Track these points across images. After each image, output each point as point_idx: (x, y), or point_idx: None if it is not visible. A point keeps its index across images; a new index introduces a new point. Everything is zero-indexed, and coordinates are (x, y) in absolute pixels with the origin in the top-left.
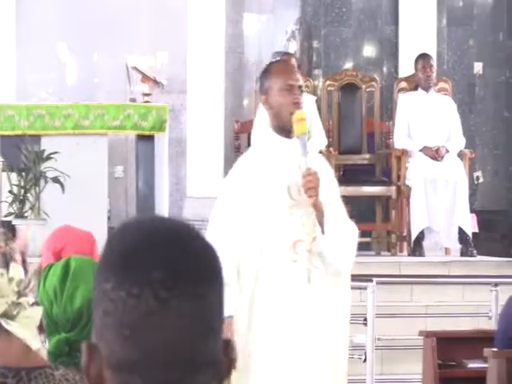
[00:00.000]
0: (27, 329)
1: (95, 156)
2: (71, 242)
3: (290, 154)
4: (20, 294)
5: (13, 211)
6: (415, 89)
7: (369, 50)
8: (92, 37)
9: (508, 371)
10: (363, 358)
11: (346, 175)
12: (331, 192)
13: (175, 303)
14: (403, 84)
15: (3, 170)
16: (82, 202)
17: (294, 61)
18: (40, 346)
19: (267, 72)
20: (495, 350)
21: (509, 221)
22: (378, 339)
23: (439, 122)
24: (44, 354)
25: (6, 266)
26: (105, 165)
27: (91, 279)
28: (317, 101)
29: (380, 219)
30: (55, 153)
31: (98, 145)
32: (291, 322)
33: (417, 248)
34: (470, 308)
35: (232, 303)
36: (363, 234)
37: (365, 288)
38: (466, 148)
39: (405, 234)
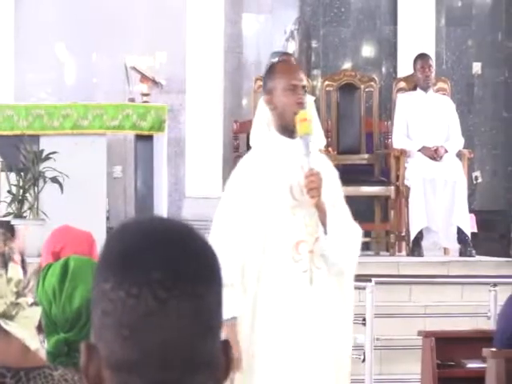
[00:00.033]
0: (26, 329)
1: (94, 156)
2: (70, 242)
3: (293, 154)
4: (19, 295)
5: (11, 211)
6: (414, 89)
7: (367, 50)
8: (91, 37)
9: (507, 371)
10: (362, 357)
11: (345, 175)
12: (335, 192)
13: (174, 303)
14: (402, 84)
15: (2, 170)
16: (80, 202)
17: (292, 61)
18: (39, 346)
19: (271, 72)
20: (494, 349)
21: (507, 221)
22: (377, 339)
23: (438, 122)
24: (43, 354)
25: (5, 267)
26: (103, 165)
27: (90, 279)
28: (315, 101)
29: (379, 219)
30: (54, 153)
31: (96, 145)
32: (294, 323)
33: (416, 248)
34: (469, 308)
35: (236, 304)
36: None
37: (364, 288)
38: (464, 148)
39: (403, 233)
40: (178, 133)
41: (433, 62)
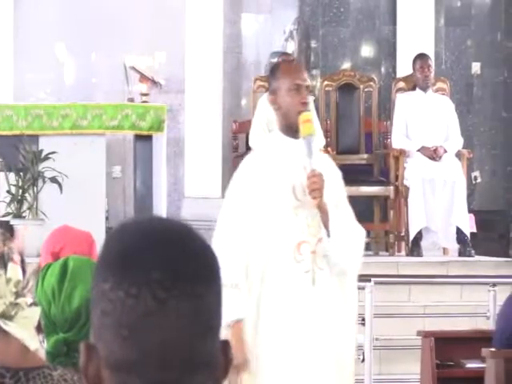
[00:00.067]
0: (25, 329)
1: (93, 156)
2: (70, 242)
3: (296, 154)
4: (18, 295)
5: (11, 211)
6: (413, 89)
7: (367, 50)
8: (90, 37)
9: (506, 371)
10: (361, 357)
11: (344, 175)
12: (338, 193)
13: (173, 303)
14: (401, 84)
15: (1, 170)
16: (79, 202)
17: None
18: (38, 346)
19: (275, 72)
20: (493, 349)
21: (507, 221)
22: (376, 339)
23: (437, 122)
24: (42, 354)
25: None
26: (103, 165)
27: (89, 279)
28: (315, 101)
29: (378, 219)
30: (53, 153)
31: (95, 145)
32: (296, 324)
33: (415, 248)
34: (468, 308)
35: (242, 306)
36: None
37: (363, 288)
38: (464, 148)
39: (403, 233)
40: (177, 133)
41: (432, 62)
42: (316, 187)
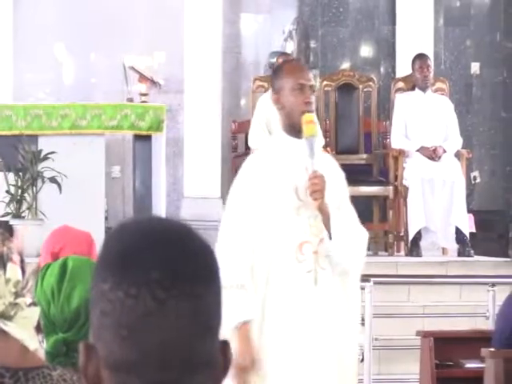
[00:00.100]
0: (25, 329)
1: (92, 156)
2: (69, 242)
3: (299, 154)
4: (17, 295)
5: (10, 211)
6: (412, 89)
7: (366, 50)
8: (89, 37)
9: (505, 371)
10: (360, 357)
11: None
12: (340, 194)
13: (173, 303)
14: (400, 84)
15: (0, 170)
16: (79, 202)
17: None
18: (38, 346)
19: (279, 72)
20: (492, 350)
21: (506, 221)
22: (376, 339)
23: (436, 122)
24: (42, 354)
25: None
26: (102, 165)
27: (88, 279)
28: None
29: (377, 219)
30: (52, 153)
31: (95, 145)
32: (299, 324)
33: (414, 248)
34: (468, 308)
35: (249, 307)
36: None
37: (362, 288)
38: (463, 148)
39: (402, 233)
40: (176, 133)
41: (431, 62)
42: (317, 188)
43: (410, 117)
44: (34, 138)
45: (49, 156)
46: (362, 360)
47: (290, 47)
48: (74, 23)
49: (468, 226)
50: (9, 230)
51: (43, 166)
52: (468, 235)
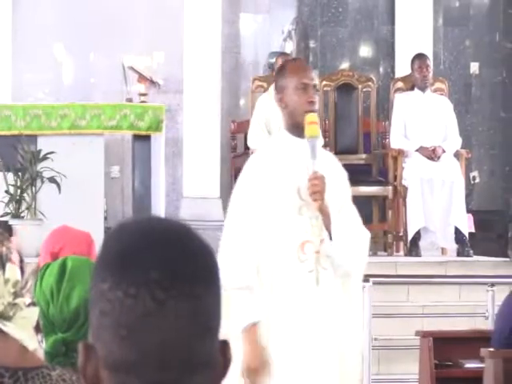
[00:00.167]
0: (24, 329)
1: (91, 156)
2: (69, 242)
3: (302, 153)
4: (16, 295)
5: (9, 211)
6: (412, 89)
7: (365, 50)
8: (88, 37)
9: (505, 371)
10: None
11: None
12: (343, 194)
13: (172, 304)
14: (400, 84)
15: (0, 170)
16: (78, 202)
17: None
18: (37, 346)
19: (282, 71)
20: (492, 350)
21: (505, 221)
22: (375, 339)
23: (435, 122)
24: (41, 354)
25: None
26: (101, 165)
27: (88, 279)
28: None
29: (376, 219)
30: (51, 153)
31: (94, 145)
32: (300, 324)
33: (413, 248)
34: (467, 308)
35: (257, 309)
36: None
37: (361, 288)
38: (462, 148)
39: (401, 233)
40: (175, 133)
41: (430, 62)
42: (317, 190)
43: (409, 117)
44: (33, 138)
45: (48, 156)
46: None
47: (290, 47)
48: (73, 23)
49: (467, 226)
50: (8, 230)
51: (42, 166)
52: (467, 235)
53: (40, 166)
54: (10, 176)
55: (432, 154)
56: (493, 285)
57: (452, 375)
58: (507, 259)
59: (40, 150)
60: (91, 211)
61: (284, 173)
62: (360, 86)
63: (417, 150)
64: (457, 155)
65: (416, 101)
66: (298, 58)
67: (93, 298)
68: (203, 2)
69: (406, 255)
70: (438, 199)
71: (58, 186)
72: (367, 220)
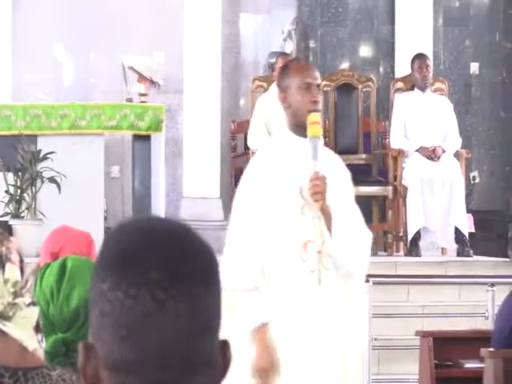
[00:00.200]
0: (23, 329)
1: (91, 156)
2: (69, 242)
3: (305, 153)
4: (16, 295)
5: (9, 211)
6: (412, 89)
7: (365, 50)
8: (88, 37)
9: (504, 371)
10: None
11: None
12: (345, 195)
13: (172, 303)
14: (399, 84)
15: (0, 170)
16: (78, 202)
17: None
18: (37, 346)
19: (286, 70)
20: (492, 350)
21: (505, 221)
22: (375, 339)
23: (435, 122)
24: (41, 353)
25: (2, 267)
26: (101, 165)
27: (88, 279)
28: None
29: (376, 219)
30: (51, 153)
31: (94, 145)
32: (302, 324)
33: (413, 248)
34: (467, 308)
35: (265, 309)
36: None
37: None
38: (462, 148)
39: (401, 233)
40: (175, 133)
41: (430, 62)
42: (318, 190)
43: (409, 117)
44: (33, 138)
45: (48, 156)
46: None
47: (290, 47)
48: (73, 23)
49: (467, 226)
50: (8, 230)
51: (42, 166)
52: (467, 235)
53: (40, 166)
54: (10, 176)
55: (432, 154)
56: (493, 285)
57: (452, 375)
58: (507, 259)
59: (40, 150)
60: (91, 211)
61: (286, 173)
62: (360, 86)
63: (417, 150)
64: (457, 155)
65: (416, 101)
66: (301, 57)
67: (93, 298)
68: (203, 2)
69: (406, 255)
70: (438, 199)
71: (58, 186)
72: (367, 220)
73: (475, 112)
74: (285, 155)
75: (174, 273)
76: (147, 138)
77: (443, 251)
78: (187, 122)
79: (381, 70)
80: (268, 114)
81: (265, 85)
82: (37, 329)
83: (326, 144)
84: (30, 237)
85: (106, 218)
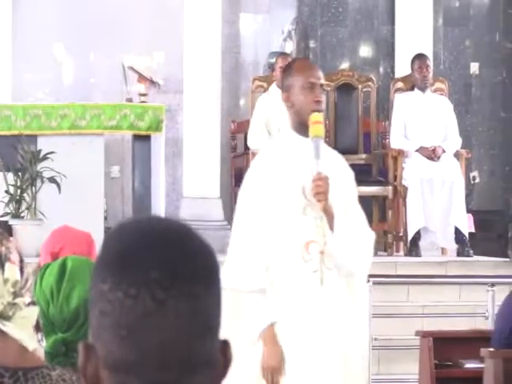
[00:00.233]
0: (23, 329)
1: (91, 156)
2: (69, 242)
3: (307, 153)
4: (16, 295)
5: (9, 211)
6: (411, 89)
7: (365, 50)
8: (88, 37)
9: (505, 371)
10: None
11: None
12: (348, 194)
13: (172, 303)
14: (399, 84)
15: (0, 170)
16: (78, 202)
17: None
18: (37, 346)
19: (289, 70)
20: (492, 350)
21: (505, 221)
22: (375, 339)
23: (435, 122)
24: (41, 352)
25: (2, 267)
26: (101, 165)
27: (88, 279)
28: None
29: (376, 219)
30: (51, 153)
31: (94, 145)
32: (304, 324)
33: (413, 248)
34: (467, 308)
35: (273, 309)
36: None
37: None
38: (462, 148)
39: (401, 233)
40: (175, 133)
41: (430, 63)
42: (321, 190)
43: (409, 117)
44: (33, 138)
45: (48, 156)
46: None
47: (290, 47)
48: (73, 23)
49: (467, 226)
50: (8, 230)
51: (42, 166)
52: (467, 235)
53: (40, 166)
54: (10, 176)
55: (432, 154)
56: (493, 285)
57: (452, 375)
58: (507, 259)
59: (40, 150)
60: (91, 211)
61: (289, 172)
62: (360, 86)
63: (417, 150)
64: (457, 155)
65: (416, 101)
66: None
67: (93, 298)
68: (203, 2)
69: (406, 255)
70: (438, 199)
71: (58, 186)
72: (367, 220)
73: (475, 112)
74: (288, 155)
75: (174, 272)
76: (147, 137)
77: (443, 251)
78: (187, 122)
79: (381, 70)
80: (268, 114)
81: (265, 85)
82: (37, 328)
83: (326, 144)
84: (29, 237)
85: (106, 218)
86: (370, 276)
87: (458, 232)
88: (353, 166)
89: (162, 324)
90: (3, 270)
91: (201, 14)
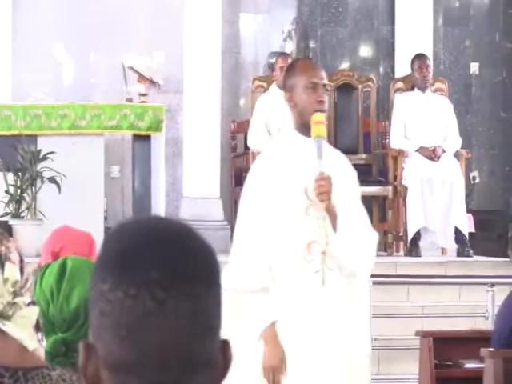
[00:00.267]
0: (23, 329)
1: (91, 156)
2: (70, 242)
3: (310, 153)
4: (16, 294)
5: (9, 211)
6: (412, 89)
7: (365, 50)
8: (88, 37)
9: (504, 371)
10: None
11: None
12: (351, 194)
13: (172, 303)
14: (399, 84)
15: (0, 170)
16: (78, 202)
17: (289, 61)
18: (37, 345)
19: (292, 69)
20: (492, 350)
21: (505, 221)
22: (375, 339)
23: (435, 122)
24: (41, 352)
25: (2, 267)
26: (101, 165)
27: (88, 279)
28: None
29: (376, 219)
30: (51, 153)
31: (94, 145)
32: (306, 325)
33: (413, 248)
34: (467, 308)
35: (275, 309)
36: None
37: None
38: (462, 148)
39: (401, 233)
40: (175, 133)
41: (430, 63)
42: (323, 190)
43: (409, 117)
44: (33, 138)
45: (48, 156)
46: None
47: (290, 47)
48: (73, 23)
49: (467, 226)
50: (8, 230)
51: (42, 166)
52: (467, 235)
53: (40, 166)
54: (10, 176)
55: (432, 154)
56: (493, 285)
57: (452, 375)
58: (507, 259)
59: (40, 150)
60: (91, 211)
61: (291, 173)
62: (360, 86)
63: (417, 150)
64: (457, 155)
65: (416, 101)
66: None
67: (93, 298)
68: (203, 2)
69: (406, 255)
70: (438, 199)
71: (58, 186)
72: None
73: (475, 112)
74: (290, 155)
75: (175, 272)
76: (147, 138)
77: (443, 251)
78: (187, 122)
79: (381, 70)
80: (268, 114)
81: (265, 85)
82: (37, 328)
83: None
84: (30, 237)
85: (106, 218)
86: (370, 276)
87: (457, 232)
88: (353, 166)
89: (162, 324)
90: (3, 270)
91: (201, 14)
